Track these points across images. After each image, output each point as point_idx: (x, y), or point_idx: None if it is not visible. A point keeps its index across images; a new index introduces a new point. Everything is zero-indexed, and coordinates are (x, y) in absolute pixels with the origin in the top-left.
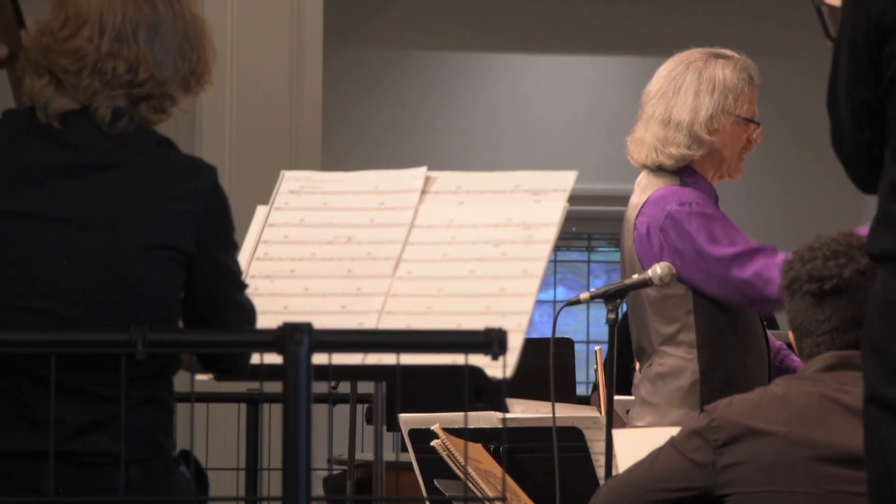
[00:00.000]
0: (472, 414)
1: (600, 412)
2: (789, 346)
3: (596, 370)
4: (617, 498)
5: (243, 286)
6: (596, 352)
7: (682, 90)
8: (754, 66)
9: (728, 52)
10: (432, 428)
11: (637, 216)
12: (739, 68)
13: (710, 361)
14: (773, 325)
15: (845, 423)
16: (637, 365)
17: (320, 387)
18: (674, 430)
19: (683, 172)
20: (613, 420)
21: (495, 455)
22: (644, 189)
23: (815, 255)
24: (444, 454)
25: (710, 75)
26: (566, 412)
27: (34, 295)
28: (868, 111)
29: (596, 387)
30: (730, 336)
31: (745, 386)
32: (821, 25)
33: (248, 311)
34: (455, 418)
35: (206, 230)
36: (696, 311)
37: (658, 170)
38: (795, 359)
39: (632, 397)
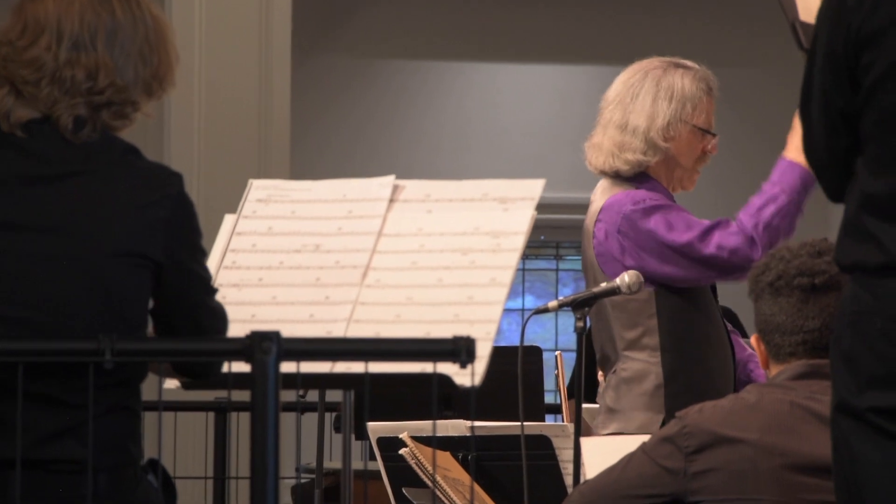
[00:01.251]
0: (440, 422)
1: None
2: None
3: (557, 375)
4: (588, 503)
5: (213, 291)
6: (556, 356)
7: (639, 97)
8: (714, 78)
9: (688, 62)
10: (401, 436)
11: (595, 223)
12: (698, 79)
13: (673, 365)
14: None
15: (816, 431)
16: (601, 375)
17: (288, 395)
18: (642, 438)
19: (639, 179)
20: (581, 428)
21: (464, 463)
22: (601, 195)
23: (800, 253)
24: (412, 462)
25: (669, 83)
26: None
27: (4, 303)
28: (846, 119)
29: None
30: (693, 339)
31: (709, 389)
32: (794, 39)
33: (220, 316)
34: (423, 426)
35: (174, 237)
36: (658, 315)
37: (615, 176)
38: (762, 373)
39: (597, 405)
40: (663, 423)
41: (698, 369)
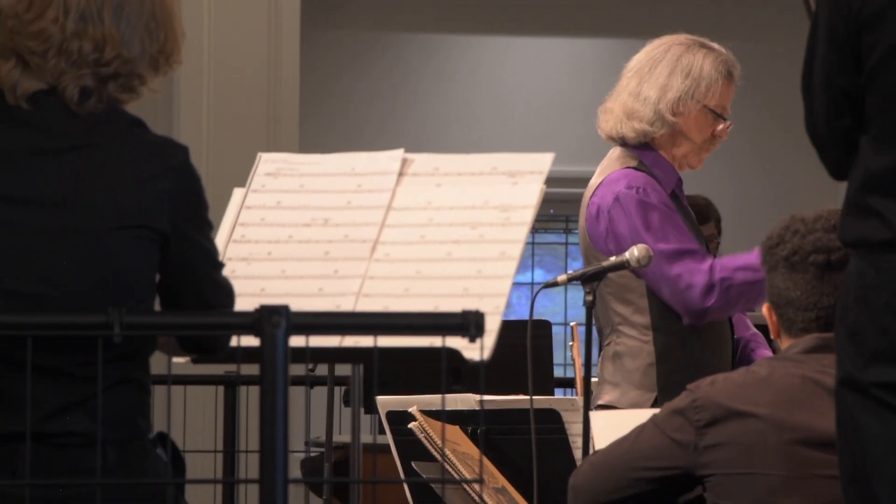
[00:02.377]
0: (449, 396)
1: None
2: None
3: (571, 346)
4: (598, 474)
5: (220, 265)
6: (571, 328)
7: (657, 69)
8: (737, 65)
9: (715, 45)
10: (410, 410)
11: (591, 197)
12: (720, 62)
13: (665, 344)
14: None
15: (827, 406)
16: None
17: (297, 369)
18: (653, 411)
19: (644, 149)
20: (591, 402)
21: (473, 437)
22: (602, 171)
23: (815, 228)
24: (421, 436)
25: (689, 61)
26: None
27: (8, 277)
28: (848, 98)
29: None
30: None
31: (702, 369)
32: (806, 12)
33: (226, 290)
34: (432, 400)
35: (179, 209)
36: (649, 295)
37: (622, 144)
38: (765, 352)
39: None
40: (655, 401)
41: (691, 348)
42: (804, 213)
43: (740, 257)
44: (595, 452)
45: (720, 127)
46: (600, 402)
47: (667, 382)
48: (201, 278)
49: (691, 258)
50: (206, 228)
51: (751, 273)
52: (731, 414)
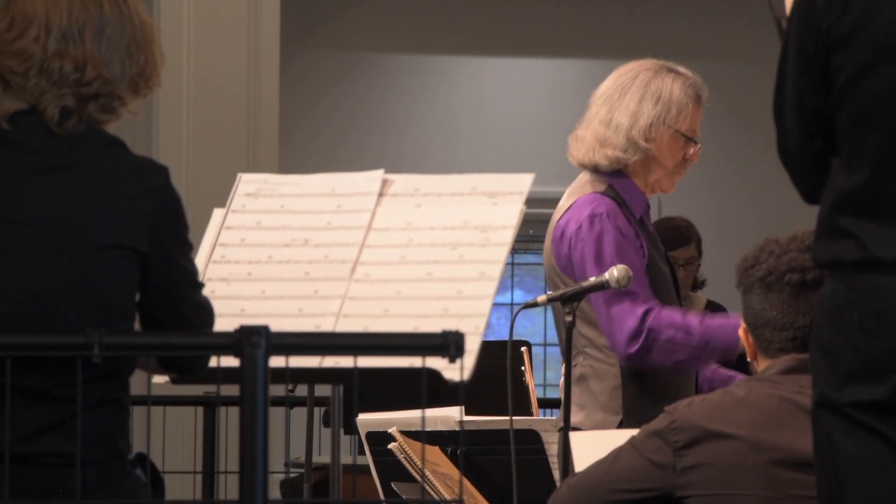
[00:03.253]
0: (429, 414)
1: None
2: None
3: (524, 370)
4: (576, 496)
5: (200, 285)
6: (522, 352)
7: (627, 95)
8: (705, 88)
9: (682, 68)
10: (390, 431)
11: (558, 220)
12: (688, 86)
13: (631, 367)
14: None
15: (805, 426)
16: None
17: (277, 390)
18: (631, 433)
19: (616, 176)
20: (570, 423)
21: (453, 458)
22: (571, 193)
23: (790, 248)
24: (401, 457)
25: (658, 86)
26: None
27: None
28: (819, 119)
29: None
30: None
31: (667, 392)
32: (780, 36)
33: (206, 310)
34: (412, 419)
35: (160, 230)
36: None
37: (594, 170)
38: (724, 371)
39: None
40: (620, 424)
41: (656, 371)
42: (778, 235)
43: (681, 317)
44: (573, 475)
45: (691, 150)
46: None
47: (632, 405)
48: (181, 298)
49: (630, 300)
50: (186, 249)
51: (682, 333)
52: (709, 435)
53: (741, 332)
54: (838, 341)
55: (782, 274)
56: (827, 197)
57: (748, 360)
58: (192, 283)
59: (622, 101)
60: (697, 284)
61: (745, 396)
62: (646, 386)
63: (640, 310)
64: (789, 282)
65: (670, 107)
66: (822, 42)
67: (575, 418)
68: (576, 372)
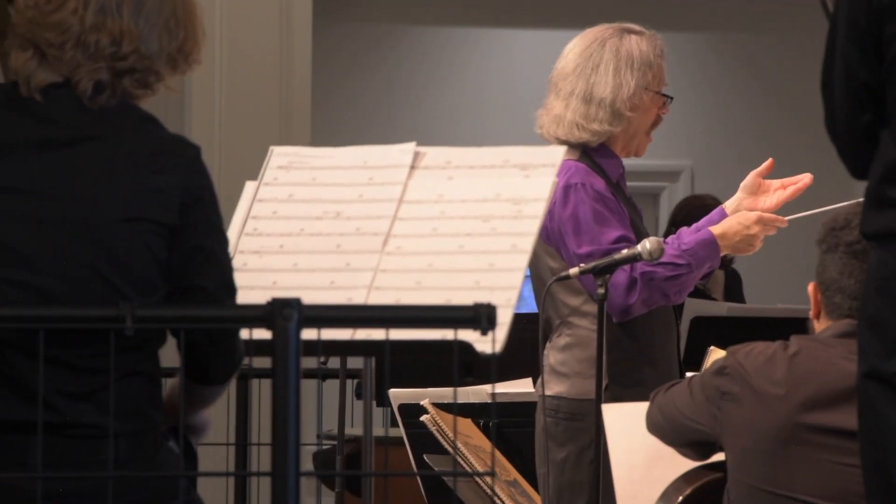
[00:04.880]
0: (461, 389)
1: None
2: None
3: None
4: (664, 421)
5: (223, 264)
6: None
7: (600, 67)
8: (662, 39)
9: (636, 26)
10: (422, 403)
11: None
12: (653, 44)
13: (616, 333)
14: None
15: (847, 393)
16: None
17: (309, 362)
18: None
19: (598, 148)
20: (602, 396)
21: (485, 430)
22: None
23: None
24: (433, 429)
25: (628, 51)
26: None
27: (14, 267)
28: (869, 92)
29: None
30: None
31: (652, 355)
32: (822, 7)
33: (229, 289)
34: (445, 393)
35: (188, 206)
36: None
37: (579, 146)
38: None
39: None
40: (606, 388)
41: (641, 335)
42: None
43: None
44: (663, 393)
45: (665, 106)
46: (549, 392)
47: (617, 370)
48: (200, 276)
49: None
50: (212, 231)
51: (670, 268)
52: (752, 391)
53: (810, 289)
54: (886, 312)
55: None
56: (876, 169)
57: (810, 316)
58: (214, 261)
59: (597, 74)
60: (725, 262)
61: (795, 354)
62: (631, 350)
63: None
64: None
65: (646, 71)
66: (873, 12)
67: (559, 388)
68: (559, 341)
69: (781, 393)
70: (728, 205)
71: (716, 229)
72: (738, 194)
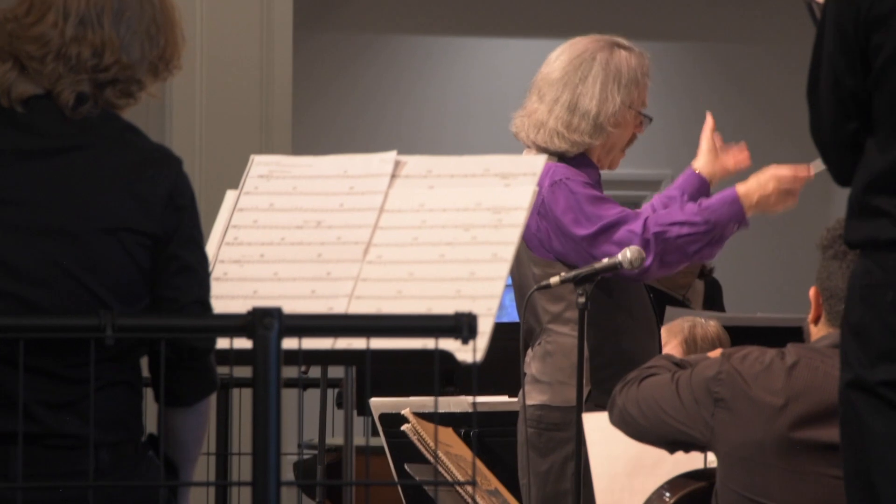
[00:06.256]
0: (442, 398)
1: None
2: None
3: None
4: (638, 416)
5: (205, 281)
6: None
7: (588, 79)
8: (649, 58)
9: (625, 41)
10: (403, 412)
11: None
12: (641, 61)
13: (598, 339)
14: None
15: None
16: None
17: (290, 371)
18: None
19: (576, 157)
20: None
21: (466, 439)
22: None
23: None
24: (414, 438)
25: (617, 67)
26: None
27: None
28: (855, 100)
29: None
30: (617, 313)
31: (634, 362)
32: (810, 18)
33: (204, 305)
34: (426, 402)
35: (169, 216)
36: None
37: (556, 154)
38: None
39: None
40: (589, 396)
41: (623, 342)
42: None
43: (678, 211)
44: (648, 384)
45: (642, 125)
46: (530, 402)
47: (600, 376)
48: (181, 288)
49: (622, 224)
50: (190, 244)
51: (686, 227)
52: (746, 398)
53: (812, 294)
54: (871, 321)
55: None
56: (860, 177)
57: (810, 320)
58: (198, 279)
59: (584, 85)
60: (705, 272)
61: (793, 364)
62: (613, 356)
63: (637, 224)
64: None
65: (631, 88)
66: (861, 21)
67: (542, 397)
68: (540, 350)
69: (779, 403)
70: (700, 168)
71: (740, 187)
72: (707, 156)
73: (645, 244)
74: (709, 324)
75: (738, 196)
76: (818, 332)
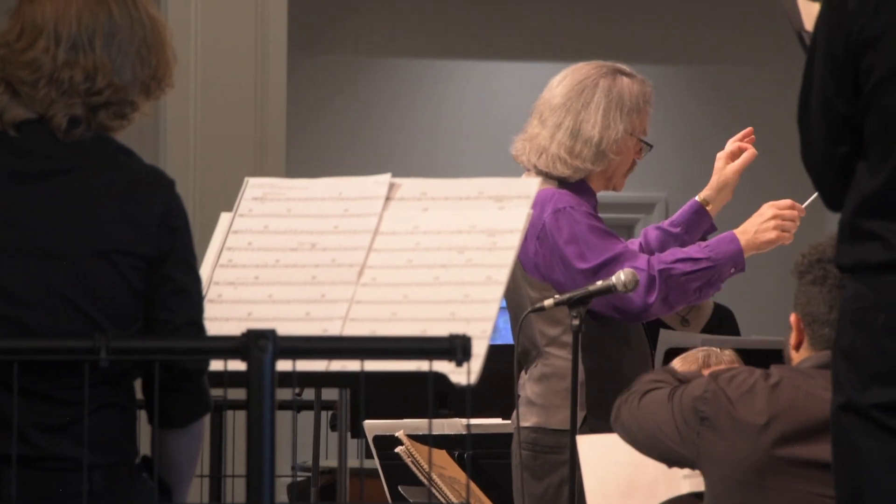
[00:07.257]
0: (436, 420)
1: None
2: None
3: None
4: (637, 432)
5: (199, 304)
6: None
7: (591, 106)
8: (652, 86)
9: (627, 68)
10: (397, 434)
11: None
12: (643, 89)
13: (594, 362)
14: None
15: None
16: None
17: (284, 393)
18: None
19: (576, 182)
20: (577, 426)
21: (459, 461)
22: None
23: None
24: (408, 460)
25: (619, 94)
26: None
27: None
28: (846, 123)
29: None
30: (612, 337)
31: (629, 384)
32: (801, 47)
33: (198, 327)
34: (420, 425)
35: (163, 238)
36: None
37: (556, 179)
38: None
39: None
40: (584, 420)
41: (619, 365)
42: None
43: (677, 251)
44: (645, 393)
45: (641, 152)
46: (525, 424)
47: (596, 400)
48: (175, 310)
49: (625, 260)
50: (184, 265)
51: (689, 263)
52: (731, 418)
53: (792, 320)
54: (862, 344)
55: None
56: (851, 201)
57: (791, 344)
58: (184, 296)
59: (587, 111)
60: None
61: (776, 384)
62: (609, 380)
63: (642, 261)
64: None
65: (633, 116)
66: (852, 44)
67: (537, 419)
68: (535, 372)
69: (762, 422)
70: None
71: (737, 230)
72: (717, 164)
73: (650, 281)
74: (724, 353)
75: (733, 234)
76: (799, 357)
